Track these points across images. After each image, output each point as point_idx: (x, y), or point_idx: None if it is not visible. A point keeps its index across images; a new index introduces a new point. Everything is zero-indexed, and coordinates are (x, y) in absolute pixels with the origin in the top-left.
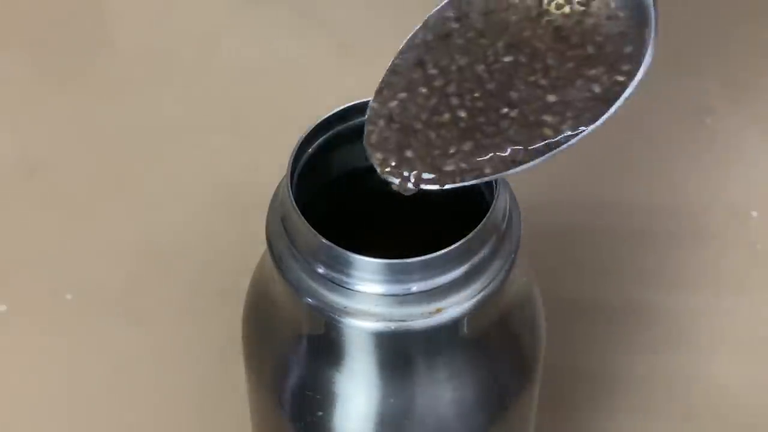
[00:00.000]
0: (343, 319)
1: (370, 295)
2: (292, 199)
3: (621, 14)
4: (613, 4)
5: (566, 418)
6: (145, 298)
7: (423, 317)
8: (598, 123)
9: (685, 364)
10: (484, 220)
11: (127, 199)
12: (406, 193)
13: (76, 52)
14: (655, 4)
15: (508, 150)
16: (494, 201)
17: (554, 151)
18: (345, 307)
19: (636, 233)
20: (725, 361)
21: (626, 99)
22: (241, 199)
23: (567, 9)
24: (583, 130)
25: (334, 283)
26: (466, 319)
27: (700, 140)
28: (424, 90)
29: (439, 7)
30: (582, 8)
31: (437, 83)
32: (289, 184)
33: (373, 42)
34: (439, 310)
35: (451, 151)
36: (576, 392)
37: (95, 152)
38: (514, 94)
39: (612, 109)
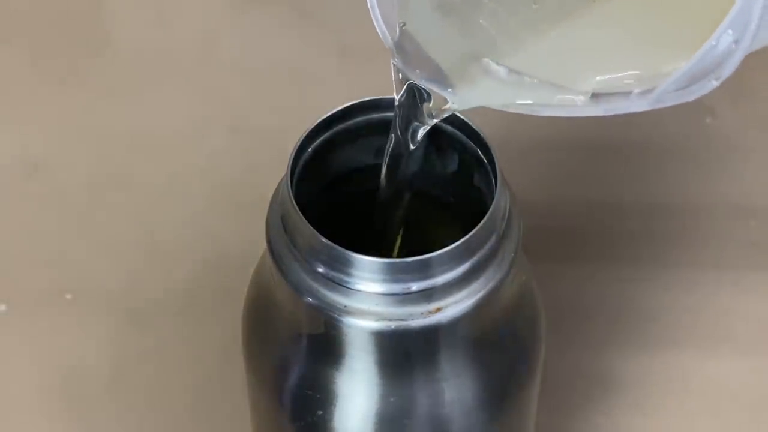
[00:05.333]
0: (343, 319)
1: (370, 295)
2: (292, 199)
3: None
4: None
5: (565, 417)
6: (145, 297)
7: (423, 316)
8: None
9: (683, 363)
10: (484, 219)
11: (127, 199)
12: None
13: (76, 51)
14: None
15: None
16: (494, 201)
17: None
18: (345, 307)
19: (636, 233)
20: (723, 361)
21: None
22: (241, 199)
23: None
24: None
25: (334, 282)
26: (466, 318)
27: (700, 140)
28: None
29: None
30: None
31: None
32: (289, 184)
33: (373, 42)
34: (439, 310)
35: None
36: (575, 392)
37: (95, 152)
38: None
39: None
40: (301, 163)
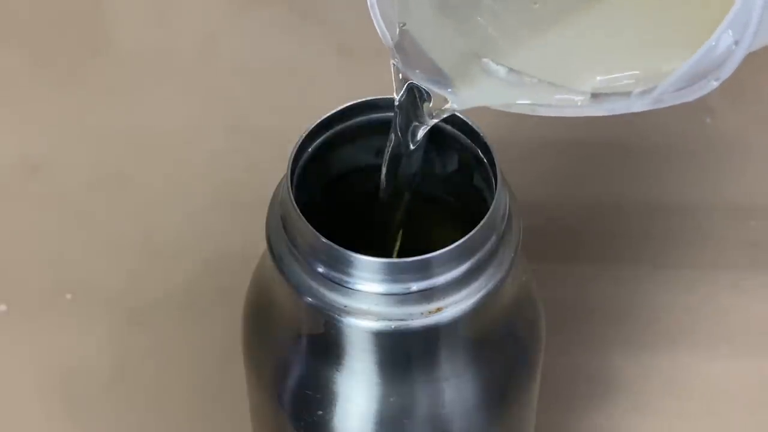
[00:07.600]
0: (343, 319)
1: (370, 295)
2: (292, 199)
3: None
4: None
5: (566, 417)
6: (145, 297)
7: (423, 316)
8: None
9: (683, 363)
10: (484, 219)
11: (127, 199)
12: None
13: (76, 51)
14: None
15: None
16: (494, 201)
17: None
18: (345, 307)
19: (635, 233)
20: (723, 361)
21: None
22: (241, 199)
23: None
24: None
25: (334, 282)
26: (465, 318)
27: (700, 140)
28: None
29: None
30: None
31: None
32: (289, 184)
33: (373, 42)
34: (439, 310)
35: None
36: (575, 392)
37: (95, 152)
38: None
39: None
40: (301, 163)
